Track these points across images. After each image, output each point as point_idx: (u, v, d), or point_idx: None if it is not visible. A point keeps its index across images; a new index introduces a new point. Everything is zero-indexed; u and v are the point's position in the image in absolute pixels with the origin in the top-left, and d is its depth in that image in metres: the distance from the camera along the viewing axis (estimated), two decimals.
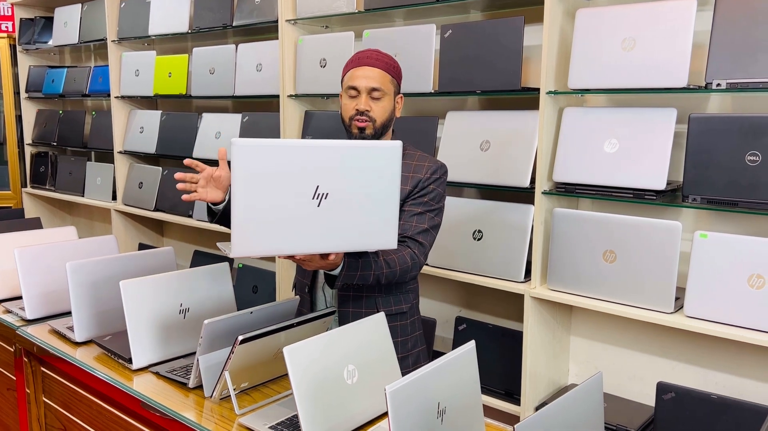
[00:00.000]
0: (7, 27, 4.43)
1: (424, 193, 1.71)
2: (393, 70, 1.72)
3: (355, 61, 1.72)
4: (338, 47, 2.65)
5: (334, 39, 2.66)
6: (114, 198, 3.83)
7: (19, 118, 4.54)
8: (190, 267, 3.55)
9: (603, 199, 2.08)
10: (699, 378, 2.09)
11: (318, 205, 1.34)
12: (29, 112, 4.47)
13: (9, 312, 2.16)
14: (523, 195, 2.29)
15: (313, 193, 1.33)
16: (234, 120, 3.15)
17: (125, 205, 3.72)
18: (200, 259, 3.51)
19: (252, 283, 3.13)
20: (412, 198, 1.71)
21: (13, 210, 2.82)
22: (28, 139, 4.50)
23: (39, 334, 1.97)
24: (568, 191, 2.08)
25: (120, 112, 3.76)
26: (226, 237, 3.40)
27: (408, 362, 1.79)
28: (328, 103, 2.95)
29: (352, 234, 1.40)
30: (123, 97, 3.71)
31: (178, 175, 1.60)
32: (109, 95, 3.77)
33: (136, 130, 3.68)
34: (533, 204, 2.16)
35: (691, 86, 1.88)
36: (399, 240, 1.65)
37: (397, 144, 1.41)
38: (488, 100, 2.50)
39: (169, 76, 3.41)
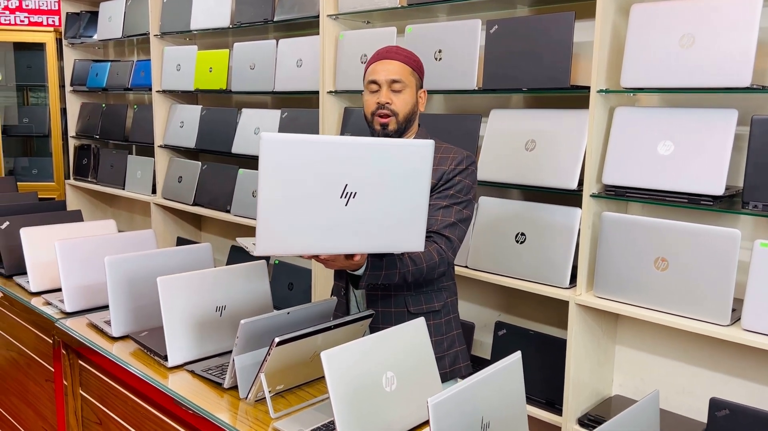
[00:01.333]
0: (53, 21, 4.51)
1: (450, 185, 1.66)
2: (413, 63, 1.70)
3: (374, 56, 1.71)
4: (380, 43, 2.59)
5: (376, 34, 2.61)
6: (154, 191, 3.85)
7: (63, 111, 4.62)
8: (227, 262, 3.55)
9: (656, 204, 1.98)
10: (755, 395, 1.98)
11: (346, 204, 1.30)
12: (73, 105, 4.54)
13: (48, 304, 2.17)
14: (570, 197, 2.21)
15: (342, 191, 1.29)
16: (273, 116, 3.13)
17: (164, 198, 3.74)
18: (237, 254, 3.50)
19: (288, 280, 3.11)
20: (437, 191, 1.66)
21: (56, 202, 2.85)
22: (71, 131, 4.57)
23: (77, 327, 1.97)
24: (618, 194, 1.99)
25: (161, 106, 3.78)
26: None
27: (444, 363, 1.75)
28: None
29: (378, 235, 1.36)
30: (164, 92, 3.73)
31: None
32: (150, 89, 3.80)
33: (176, 124, 3.70)
34: (580, 207, 2.07)
35: (755, 86, 1.77)
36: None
37: (429, 143, 1.36)
38: (533, 98, 2.42)
39: (210, 71, 3.41)
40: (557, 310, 2.37)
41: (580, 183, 2.07)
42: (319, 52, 2.79)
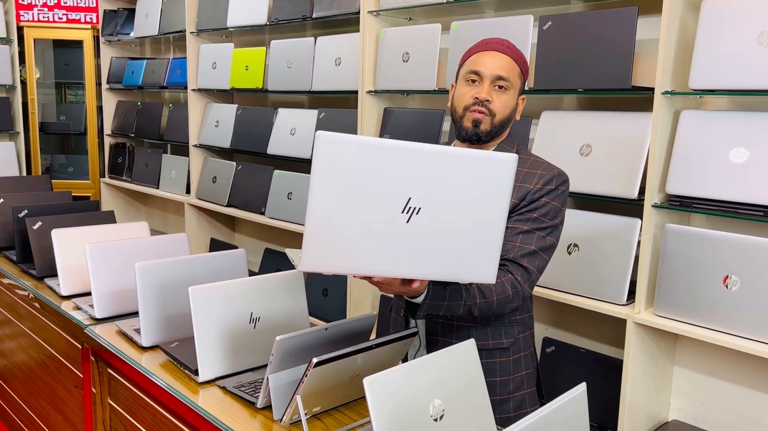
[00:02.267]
0: (91, 18, 4.49)
1: (534, 207, 1.45)
2: (523, 64, 1.50)
3: (481, 45, 1.50)
4: (422, 40, 2.47)
5: (419, 32, 2.49)
6: (188, 191, 3.80)
7: (99, 109, 4.61)
8: (260, 265, 3.47)
9: (726, 216, 1.81)
10: None
11: (407, 221, 1.14)
12: (110, 103, 4.52)
13: (78, 308, 2.10)
14: (629, 207, 2.05)
15: (404, 206, 1.13)
16: (310, 116, 3.03)
17: (198, 198, 3.68)
18: (271, 257, 3.42)
19: (322, 286, 3.01)
20: (518, 212, 1.45)
21: (89, 202, 2.80)
22: (107, 129, 4.55)
23: (106, 335, 1.89)
24: (683, 205, 1.83)
25: (196, 105, 3.72)
26: (298, 242, 3.30)
27: (508, 406, 1.55)
28: (409, 100, 2.79)
29: (442, 261, 1.18)
30: (199, 90, 3.67)
31: None
32: (186, 88, 3.74)
33: (211, 123, 3.63)
34: (640, 218, 1.92)
35: None
36: (499, 263, 1.45)
37: (512, 158, 1.15)
38: (588, 100, 2.26)
39: (246, 70, 3.33)
40: (611, 327, 2.22)
41: (641, 192, 1.92)
42: (359, 50, 2.68)
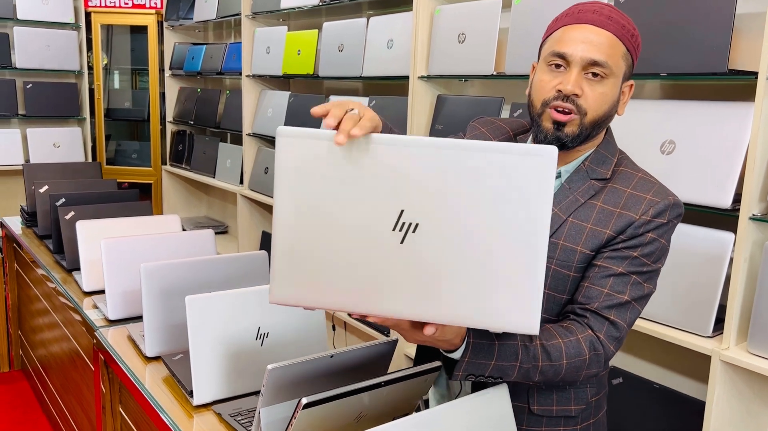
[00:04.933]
0: (155, 3, 4.45)
1: (636, 244, 1.08)
2: (629, 38, 1.10)
3: (572, 15, 1.11)
4: (482, 19, 2.18)
5: (477, 9, 2.19)
6: (241, 182, 3.67)
7: (162, 96, 4.57)
8: None
9: None
10: None
11: (401, 241, 0.85)
12: (172, 89, 4.48)
13: (96, 307, 1.97)
14: (720, 218, 1.69)
15: (395, 221, 0.85)
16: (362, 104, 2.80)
17: (251, 189, 3.54)
18: None
19: None
20: (613, 247, 1.09)
21: (129, 192, 2.69)
22: (169, 116, 4.51)
23: (114, 340, 1.75)
24: None
25: (251, 91, 3.57)
26: None
27: None
28: (466, 86, 2.50)
29: (456, 298, 0.86)
30: (254, 76, 3.51)
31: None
32: (241, 73, 3.60)
33: (265, 111, 3.47)
34: (734, 232, 1.56)
35: None
36: (577, 313, 1.10)
37: (550, 150, 0.83)
38: (673, 87, 1.90)
39: (298, 54, 3.14)
40: (691, 361, 1.86)
41: (736, 200, 1.56)
42: (412, 29, 2.41)
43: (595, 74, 1.07)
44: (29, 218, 2.90)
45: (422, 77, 2.40)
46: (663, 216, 1.08)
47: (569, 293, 1.13)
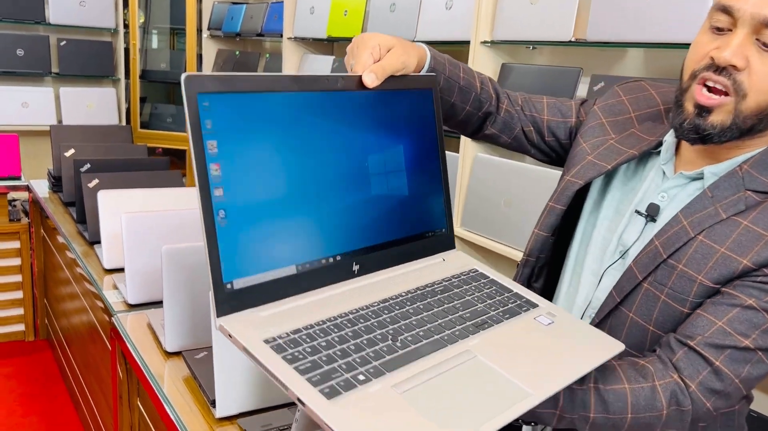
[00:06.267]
0: None
1: None
2: None
3: None
4: None
5: None
6: None
7: (199, 58, 4.36)
8: None
9: None
10: None
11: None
12: (209, 51, 4.26)
13: (116, 288, 1.79)
14: None
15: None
16: None
17: None
18: None
19: None
20: (751, 276, 0.81)
21: (160, 159, 2.51)
22: None
23: (132, 329, 1.56)
24: None
25: (292, 55, 3.33)
26: None
27: None
28: (534, 55, 2.21)
29: None
30: (296, 39, 3.27)
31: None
32: (282, 35, 3.36)
33: None
34: None
35: None
36: (669, 347, 0.83)
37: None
38: None
39: (345, 15, 2.87)
40: None
41: None
42: None
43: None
44: (55, 183, 2.74)
45: (485, 43, 2.13)
46: None
47: None
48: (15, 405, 2.60)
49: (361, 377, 0.68)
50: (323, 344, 0.72)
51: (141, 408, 1.60)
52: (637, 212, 0.93)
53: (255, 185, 0.75)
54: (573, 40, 1.86)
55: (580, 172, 0.97)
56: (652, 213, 0.90)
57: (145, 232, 1.67)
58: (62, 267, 2.57)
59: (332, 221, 0.83)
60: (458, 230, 2.20)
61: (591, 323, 0.90)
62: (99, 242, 2.08)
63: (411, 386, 0.69)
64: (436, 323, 0.80)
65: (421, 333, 0.77)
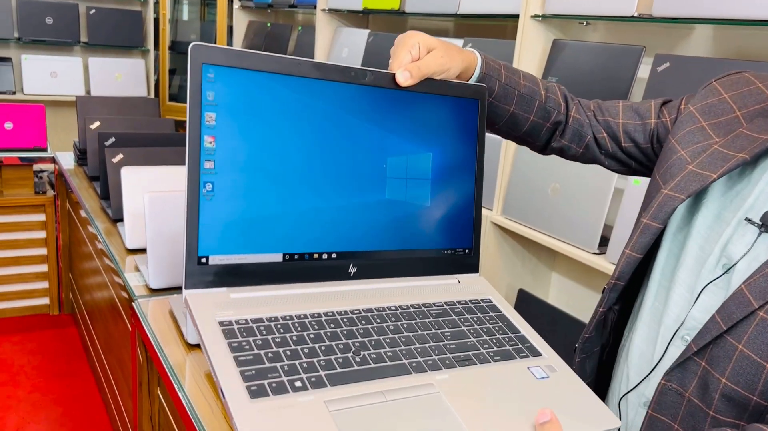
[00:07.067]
0: None
1: None
2: None
3: None
4: None
5: None
6: None
7: (230, 29, 4.25)
8: None
9: None
10: None
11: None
12: (240, 23, 4.14)
13: (138, 270, 1.70)
14: None
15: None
16: None
17: None
18: None
19: None
20: None
21: (185, 135, 2.40)
22: None
23: (153, 316, 1.47)
24: None
25: (325, 28, 3.19)
26: None
27: None
28: (587, 31, 2.05)
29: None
30: (330, 11, 3.13)
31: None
32: (315, 7, 3.22)
33: (339, 52, 3.10)
34: None
35: None
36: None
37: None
38: None
39: None
40: None
41: None
42: None
43: None
44: (81, 156, 2.67)
45: (536, 17, 1.97)
46: None
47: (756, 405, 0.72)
48: (38, 382, 2.56)
49: (298, 383, 0.63)
50: (278, 340, 0.68)
51: (161, 399, 1.52)
52: (748, 220, 0.77)
53: (250, 166, 0.73)
54: (635, 14, 1.70)
55: (681, 185, 0.81)
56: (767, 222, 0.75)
57: (169, 213, 1.58)
58: (86, 242, 2.51)
59: (332, 217, 0.78)
60: (498, 218, 2.07)
61: (687, 349, 0.76)
62: (122, 220, 2.00)
63: (346, 406, 0.62)
64: (411, 347, 0.72)
65: (388, 354, 0.70)
